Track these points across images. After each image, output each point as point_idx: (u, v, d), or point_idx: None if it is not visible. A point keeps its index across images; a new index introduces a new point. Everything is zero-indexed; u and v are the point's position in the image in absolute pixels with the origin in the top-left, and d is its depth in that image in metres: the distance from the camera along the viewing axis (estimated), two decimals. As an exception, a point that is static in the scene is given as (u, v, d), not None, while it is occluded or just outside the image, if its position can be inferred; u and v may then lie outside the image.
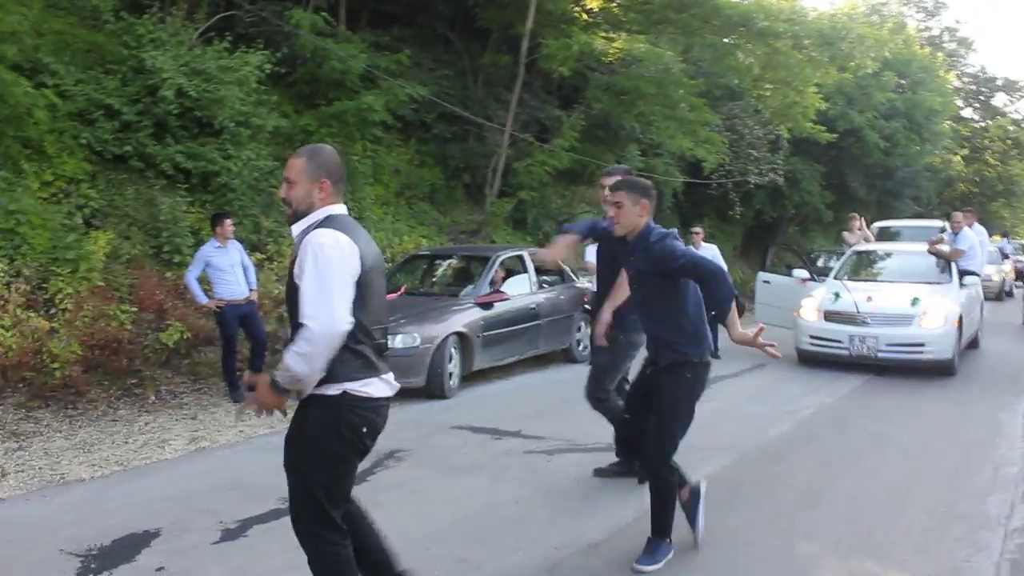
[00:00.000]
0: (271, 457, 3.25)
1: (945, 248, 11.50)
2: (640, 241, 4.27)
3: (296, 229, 3.15)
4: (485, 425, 7.43)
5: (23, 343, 7.60)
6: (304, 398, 3.09)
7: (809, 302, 10.75)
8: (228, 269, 8.24)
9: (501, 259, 10.30)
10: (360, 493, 5.50)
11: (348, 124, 12.56)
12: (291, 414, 3.21)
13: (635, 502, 5.18)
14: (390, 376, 3.22)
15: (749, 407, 8.22)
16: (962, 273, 11.13)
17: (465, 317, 9.16)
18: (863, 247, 12.70)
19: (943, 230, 12.66)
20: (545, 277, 10.94)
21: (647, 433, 4.33)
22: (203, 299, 8.28)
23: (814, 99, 18.51)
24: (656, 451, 4.31)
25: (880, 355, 9.95)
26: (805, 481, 5.90)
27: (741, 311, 4.05)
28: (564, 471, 5.65)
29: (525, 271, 10.55)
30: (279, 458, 3.27)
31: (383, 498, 5.43)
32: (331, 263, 2.95)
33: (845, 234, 14.17)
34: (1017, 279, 24.37)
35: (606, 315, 5.44)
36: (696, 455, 4.50)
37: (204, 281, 8.36)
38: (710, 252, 12.47)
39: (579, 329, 11.11)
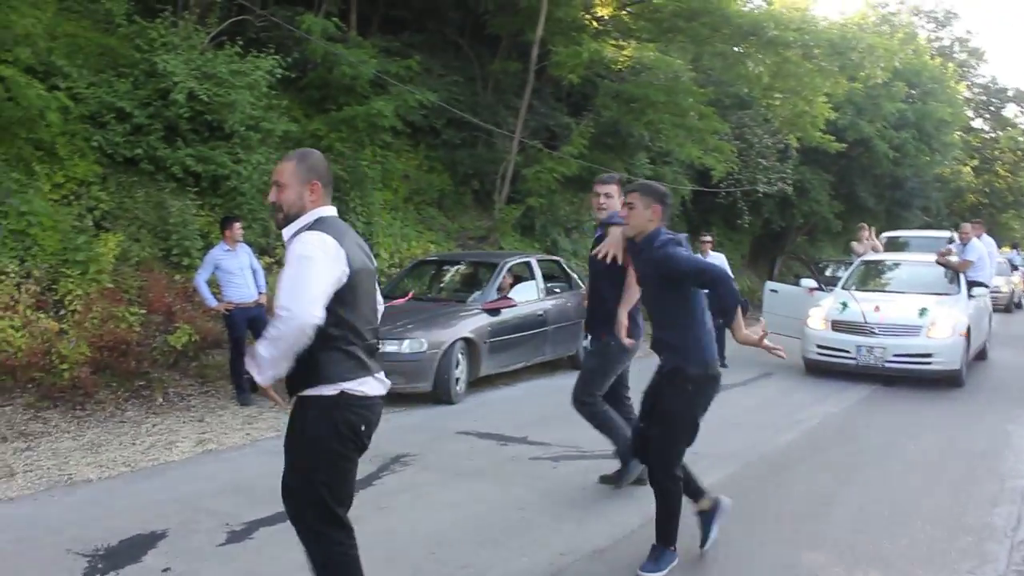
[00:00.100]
0: (278, 460, 3.26)
1: (954, 259, 11.48)
2: (646, 244, 4.30)
3: (287, 232, 3.18)
4: (491, 431, 7.44)
5: (32, 344, 7.65)
6: (301, 400, 3.13)
7: (816, 311, 10.75)
8: (237, 272, 8.28)
9: (509, 265, 10.32)
10: (366, 497, 5.56)
11: (358, 129, 12.59)
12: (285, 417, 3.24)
13: (640, 509, 5.19)
14: (382, 375, 3.27)
15: (755, 416, 8.21)
16: (971, 284, 11.11)
17: (472, 323, 9.18)
18: (871, 257, 12.68)
19: (951, 241, 12.63)
20: (552, 284, 10.95)
21: (651, 441, 4.34)
22: (212, 302, 8.33)
23: (823, 109, 18.49)
24: (656, 461, 4.33)
25: (887, 365, 9.94)
26: (811, 490, 5.89)
27: (745, 311, 4.04)
28: (569, 478, 5.65)
29: (533, 278, 10.56)
30: (285, 462, 3.28)
31: (389, 502, 5.46)
32: (313, 262, 2.98)
33: (853, 244, 14.16)
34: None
35: (623, 317, 5.41)
36: (702, 463, 4.50)
37: (213, 284, 8.40)
38: (718, 261, 12.48)
39: (586, 336, 11.10)
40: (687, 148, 17.48)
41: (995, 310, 14.06)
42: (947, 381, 9.93)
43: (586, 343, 6.22)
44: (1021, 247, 27.84)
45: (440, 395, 8.62)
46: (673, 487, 4.29)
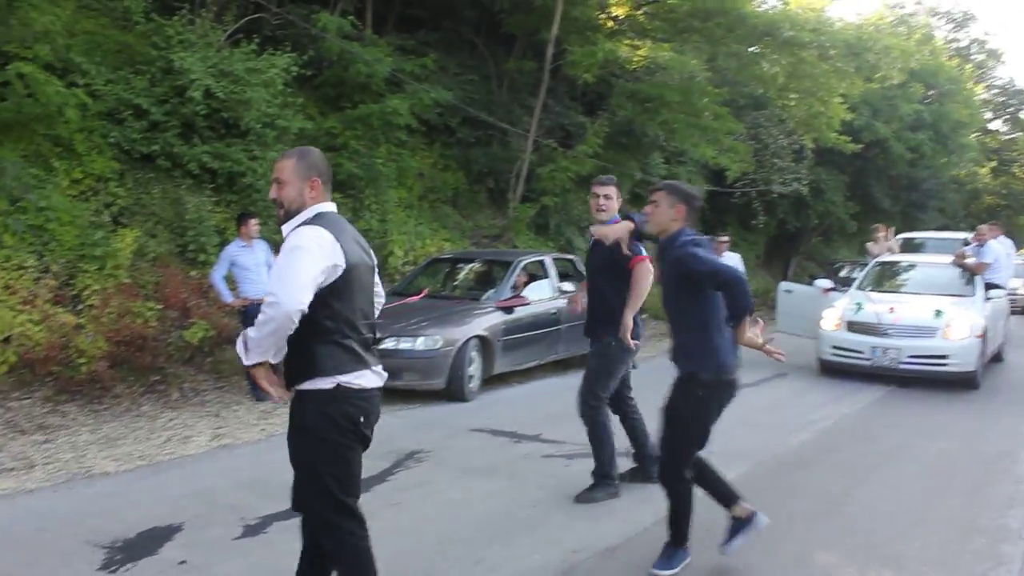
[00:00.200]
0: (292, 455, 3.30)
1: (971, 261, 11.43)
2: (668, 244, 4.25)
3: (287, 228, 3.22)
4: (504, 428, 7.46)
5: (51, 338, 7.72)
6: (299, 394, 3.17)
7: (831, 312, 10.72)
8: (253, 268, 8.33)
9: (523, 264, 10.34)
10: (380, 492, 5.59)
11: (373, 127, 12.63)
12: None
13: (652, 508, 5.19)
14: (379, 368, 3.30)
15: (769, 416, 8.20)
16: (987, 286, 11.06)
17: (486, 321, 9.20)
18: (887, 258, 12.64)
19: (967, 242, 12.56)
20: (566, 283, 10.95)
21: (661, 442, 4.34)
22: (228, 297, 8.38)
23: (839, 109, 18.43)
24: (664, 462, 4.32)
25: (902, 366, 9.91)
26: (824, 490, 5.90)
27: (750, 312, 4.00)
28: (582, 476, 5.66)
29: (547, 276, 10.57)
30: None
31: (402, 498, 5.49)
32: (304, 252, 3.03)
33: (869, 245, 14.11)
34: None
35: (628, 319, 5.40)
36: (715, 462, 4.50)
37: (229, 280, 8.46)
38: (733, 261, 12.47)
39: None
40: (702, 148, 17.48)
41: (1012, 312, 13.98)
42: (962, 383, 9.89)
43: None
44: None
45: (454, 392, 8.65)
46: (681, 488, 4.27)
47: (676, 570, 4.27)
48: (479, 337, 9.00)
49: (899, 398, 9.45)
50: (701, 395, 4.17)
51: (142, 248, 9.18)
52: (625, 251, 5.20)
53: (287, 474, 3.34)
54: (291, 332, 3.02)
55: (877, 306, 10.42)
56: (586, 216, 17.09)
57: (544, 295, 10.24)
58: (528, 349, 9.80)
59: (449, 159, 15.26)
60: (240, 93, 10.11)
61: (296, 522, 4.69)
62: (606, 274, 5.45)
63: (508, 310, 9.49)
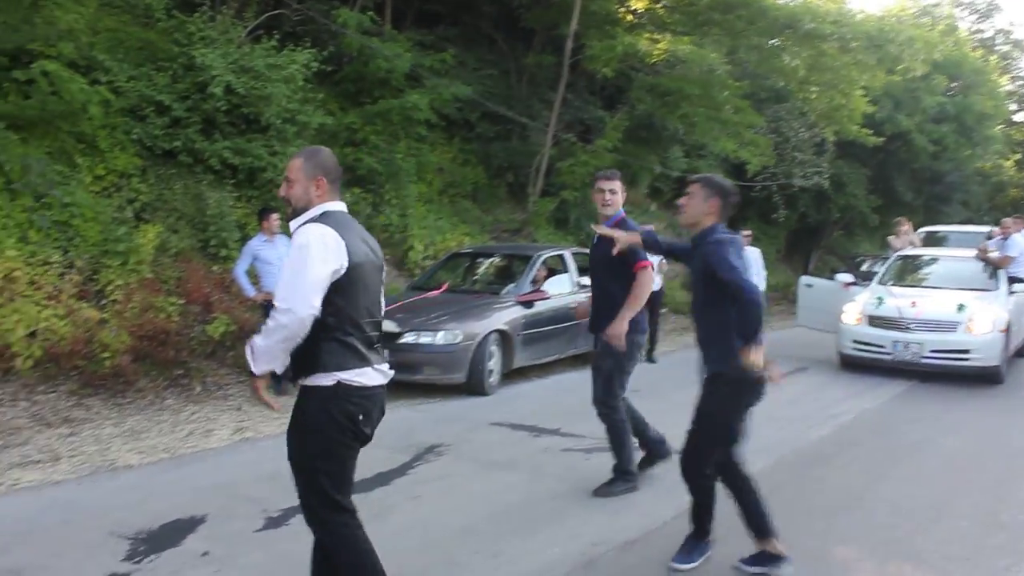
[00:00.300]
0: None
1: (994, 255, 11.33)
2: (700, 240, 4.18)
3: (294, 225, 3.27)
4: (524, 422, 7.48)
5: (75, 332, 7.81)
6: (302, 389, 3.22)
7: (852, 306, 10.67)
8: (275, 262, 8.38)
9: (543, 258, 10.34)
10: (400, 486, 5.64)
11: (392, 122, 12.67)
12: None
13: (672, 502, 5.20)
14: (384, 366, 3.33)
15: (789, 410, 8.17)
16: (1011, 280, 10.96)
17: (506, 315, 9.22)
18: (909, 252, 12.55)
19: (989, 236, 12.44)
20: (585, 278, 10.94)
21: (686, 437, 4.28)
22: (251, 292, 8.43)
23: (861, 102, 18.30)
24: (686, 457, 4.24)
25: (924, 361, 9.85)
26: (844, 485, 5.88)
27: (757, 335, 3.90)
28: (602, 469, 5.67)
29: (566, 270, 10.58)
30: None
31: (422, 491, 5.53)
32: (311, 255, 3.07)
33: (891, 239, 14.00)
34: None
35: (623, 325, 5.32)
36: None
37: (252, 275, 8.51)
38: (753, 256, 12.44)
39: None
40: (722, 142, 17.41)
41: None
42: (985, 378, 9.82)
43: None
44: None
45: (474, 386, 8.68)
46: (704, 483, 4.22)
47: (695, 563, 4.27)
48: (499, 331, 9.03)
49: (921, 393, 9.41)
50: (726, 391, 4.09)
51: (164, 243, 9.27)
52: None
53: (308, 467, 3.38)
54: (302, 339, 3.08)
55: (899, 300, 10.36)
56: (606, 210, 17.10)
57: (564, 289, 10.25)
58: (548, 343, 9.81)
59: (469, 154, 15.29)
60: (261, 89, 10.17)
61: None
62: (614, 271, 5.43)
63: (528, 304, 9.51)
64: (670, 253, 5.13)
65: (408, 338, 8.47)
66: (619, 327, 5.31)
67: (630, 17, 17.38)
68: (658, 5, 17.42)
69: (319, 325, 3.10)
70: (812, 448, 6.91)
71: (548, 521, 4.99)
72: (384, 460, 6.13)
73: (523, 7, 15.87)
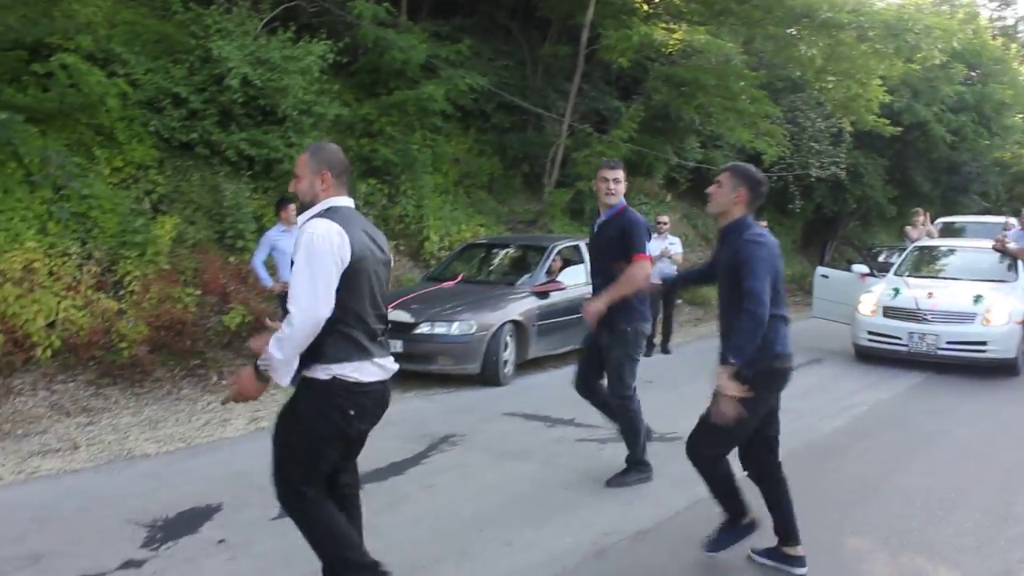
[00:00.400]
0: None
1: (1012, 246, 11.25)
2: (731, 232, 4.07)
3: (301, 220, 3.34)
4: (538, 413, 7.51)
5: (94, 323, 7.89)
6: (302, 380, 3.27)
7: (868, 297, 10.62)
8: (292, 253, 8.42)
9: (558, 249, 10.35)
10: (414, 475, 5.68)
11: (408, 113, 12.69)
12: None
13: (685, 492, 5.24)
14: (386, 360, 3.36)
15: (803, 402, 8.15)
16: (1029, 271, 10.88)
17: (521, 306, 9.24)
18: (925, 243, 12.48)
19: (1006, 228, 12.35)
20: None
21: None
22: (268, 282, 8.49)
23: (878, 92, 18.16)
24: (692, 441, 4.15)
25: (940, 353, 9.80)
26: (857, 476, 5.88)
27: (739, 359, 3.85)
28: (615, 460, 5.69)
29: (582, 261, 10.58)
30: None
31: (436, 481, 5.57)
32: (319, 253, 3.12)
33: (907, 229, 13.93)
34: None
35: (606, 299, 5.39)
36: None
37: (269, 265, 8.57)
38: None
39: (648, 322, 11.13)
40: (738, 132, 17.33)
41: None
42: (1002, 370, 9.77)
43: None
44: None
45: (488, 377, 8.71)
46: (716, 468, 4.14)
47: (724, 549, 4.24)
48: (514, 322, 9.05)
49: (936, 385, 9.37)
50: (752, 374, 3.95)
51: (181, 235, 9.34)
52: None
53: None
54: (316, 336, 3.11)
55: (915, 291, 10.31)
56: (621, 201, 17.07)
57: (579, 280, 10.21)
58: (562, 334, 9.82)
59: (484, 144, 15.29)
60: (277, 80, 10.21)
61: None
62: (615, 261, 5.46)
63: (543, 295, 9.52)
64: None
65: (423, 328, 8.51)
66: (598, 304, 5.37)
67: (646, 7, 17.28)
68: (674, -6, 17.36)
69: None
70: (826, 439, 6.91)
71: (561, 511, 5.02)
72: (398, 450, 6.19)
73: (539, -3, 15.85)
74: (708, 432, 4.09)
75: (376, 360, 3.30)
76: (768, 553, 4.23)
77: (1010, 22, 40.18)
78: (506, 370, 8.92)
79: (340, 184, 3.39)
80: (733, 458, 4.23)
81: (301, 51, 10.61)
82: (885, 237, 26.04)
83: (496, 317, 8.87)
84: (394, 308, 8.73)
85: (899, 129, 20.57)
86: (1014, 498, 5.46)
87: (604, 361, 5.61)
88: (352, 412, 3.24)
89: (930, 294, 10.17)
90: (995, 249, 11.19)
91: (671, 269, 11.18)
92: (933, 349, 9.82)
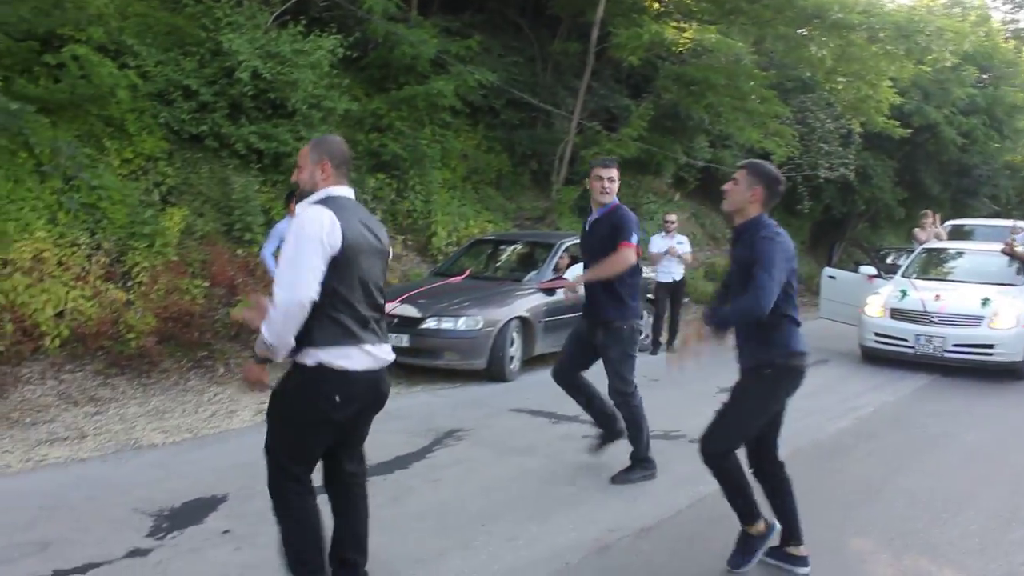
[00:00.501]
0: (333, 431, 3.40)
1: (1021, 249, 11.21)
2: (746, 231, 4.02)
3: (299, 207, 3.40)
4: (544, 409, 7.51)
5: (102, 313, 7.92)
6: (293, 364, 3.34)
7: (875, 299, 10.62)
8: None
9: (566, 246, 10.34)
10: (419, 469, 5.69)
11: (418, 109, 12.70)
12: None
13: (688, 490, 5.27)
14: (379, 348, 3.39)
15: (809, 402, 8.11)
16: (1038, 274, 10.86)
17: (528, 302, 9.25)
18: (934, 245, 12.46)
19: (1014, 231, 12.31)
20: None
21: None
22: (277, 273, 8.50)
23: (888, 93, 18.11)
24: (707, 438, 4.07)
25: (947, 355, 9.79)
26: (862, 477, 5.88)
27: (723, 326, 3.90)
28: (620, 456, 5.69)
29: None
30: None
31: (441, 475, 5.58)
32: (307, 238, 3.18)
33: (916, 231, 13.90)
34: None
35: (586, 278, 5.58)
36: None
37: (278, 257, 8.57)
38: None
39: (640, 318, 11.13)
40: (747, 132, 17.30)
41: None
42: (1008, 373, 9.76)
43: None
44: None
45: (494, 372, 8.73)
46: (726, 464, 4.04)
47: (753, 562, 4.13)
48: (520, 318, 9.06)
49: (942, 387, 9.35)
50: (765, 382, 4.01)
51: (190, 227, 9.36)
52: None
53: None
54: (304, 320, 3.17)
55: (922, 293, 10.30)
56: (630, 199, 17.07)
57: (586, 278, 10.24)
58: (569, 331, 9.78)
59: (493, 141, 15.29)
60: (287, 74, 10.23)
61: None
62: (602, 255, 5.54)
63: (550, 292, 9.52)
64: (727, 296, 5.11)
65: (430, 323, 8.52)
66: (578, 279, 5.62)
67: (657, 5, 17.28)
68: (685, -7, 17.34)
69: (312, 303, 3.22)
70: (831, 440, 6.91)
71: (565, 506, 5.03)
72: (404, 444, 6.21)
73: (550, -6, 15.84)
74: (721, 427, 4.06)
75: (366, 347, 3.32)
76: (771, 552, 4.22)
77: (1023, 25, 40.02)
78: (512, 366, 8.94)
79: (340, 174, 3.45)
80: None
81: (311, 45, 10.62)
82: (894, 239, 25.95)
83: (503, 313, 8.88)
84: (401, 303, 8.76)
85: (909, 131, 20.50)
86: (1021, 501, 5.46)
87: (602, 360, 5.66)
88: (338, 398, 3.28)
89: (937, 296, 10.15)
90: (1004, 253, 11.17)
91: (679, 268, 11.18)
92: (940, 351, 9.80)
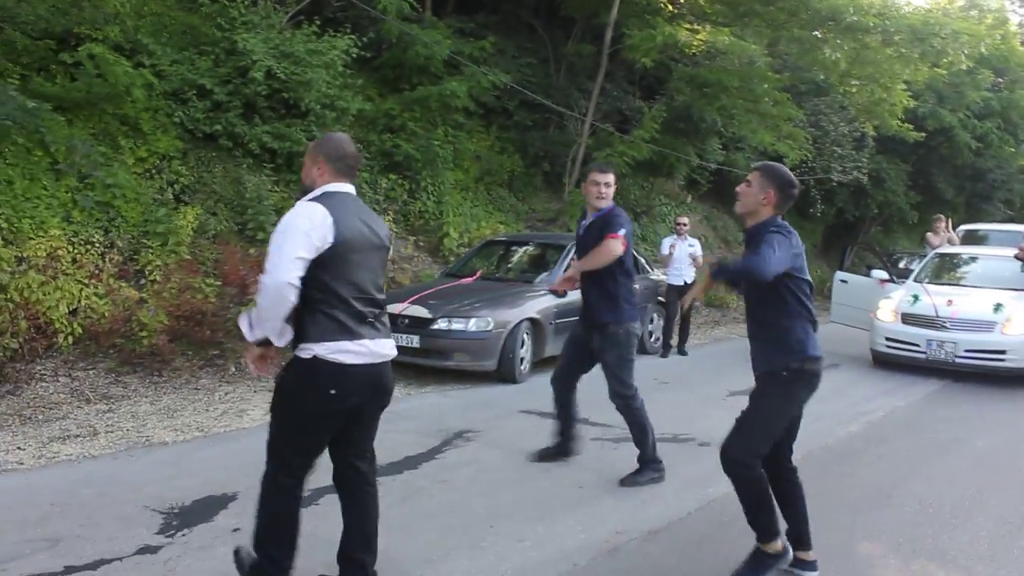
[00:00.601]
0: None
1: (1034, 255, 11.16)
2: (758, 234, 3.95)
3: (297, 204, 3.47)
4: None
5: (115, 311, 7.97)
6: (291, 358, 3.42)
7: (887, 303, 10.58)
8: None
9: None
10: (428, 470, 5.70)
11: (431, 109, 12.74)
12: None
13: (698, 493, 5.28)
14: (377, 343, 3.43)
15: (819, 406, 8.03)
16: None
17: (539, 304, 9.25)
18: (946, 250, 12.41)
19: (1024, 235, 12.26)
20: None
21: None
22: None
23: (902, 96, 18.04)
24: (727, 447, 3.98)
25: (958, 361, 9.75)
26: (871, 482, 5.86)
27: (730, 280, 3.91)
28: (629, 459, 5.70)
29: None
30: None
31: (450, 475, 5.59)
32: (295, 228, 3.26)
33: (929, 236, 13.85)
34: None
35: (574, 270, 5.69)
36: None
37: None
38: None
39: (651, 321, 11.15)
40: (760, 134, 17.28)
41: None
42: (1020, 379, 9.70)
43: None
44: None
45: (505, 374, 8.73)
46: (746, 473, 3.94)
47: None
48: (531, 320, 9.06)
49: (954, 392, 9.32)
50: (781, 387, 3.96)
51: (203, 225, 9.41)
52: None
53: (337, 448, 3.47)
54: (288, 307, 3.23)
55: (934, 298, 10.26)
56: (642, 201, 17.10)
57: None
58: (579, 333, 9.81)
59: (506, 142, 15.31)
60: (301, 74, 10.27)
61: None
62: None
63: (560, 293, 9.52)
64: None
65: (440, 324, 8.54)
66: (564, 275, 5.72)
67: (670, 7, 17.25)
68: (699, -5, 17.31)
69: (305, 299, 3.28)
70: (841, 444, 6.89)
71: (574, 508, 5.04)
72: (414, 444, 6.23)
73: (563, -5, 15.85)
74: (742, 433, 3.99)
75: (363, 342, 3.36)
76: (758, 570, 4.15)
77: (1040, 28, 39.72)
78: (522, 367, 8.94)
79: (337, 171, 3.50)
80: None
81: (325, 45, 10.67)
82: (907, 243, 25.88)
83: (513, 314, 8.89)
84: (412, 303, 8.78)
85: (923, 135, 20.44)
86: (1029, 508, 5.43)
87: (600, 364, 5.69)
88: (333, 391, 3.33)
89: (949, 301, 10.12)
90: (1017, 258, 11.11)
91: (691, 271, 11.17)
92: (951, 357, 9.77)
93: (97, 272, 8.14)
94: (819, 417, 7.61)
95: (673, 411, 7.44)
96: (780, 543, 4.05)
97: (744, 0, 16.01)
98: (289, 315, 3.27)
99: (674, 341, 11.36)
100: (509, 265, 11.03)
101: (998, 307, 9.85)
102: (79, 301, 7.80)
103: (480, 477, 5.63)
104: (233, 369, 8.41)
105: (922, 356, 9.96)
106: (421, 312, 8.65)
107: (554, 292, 9.41)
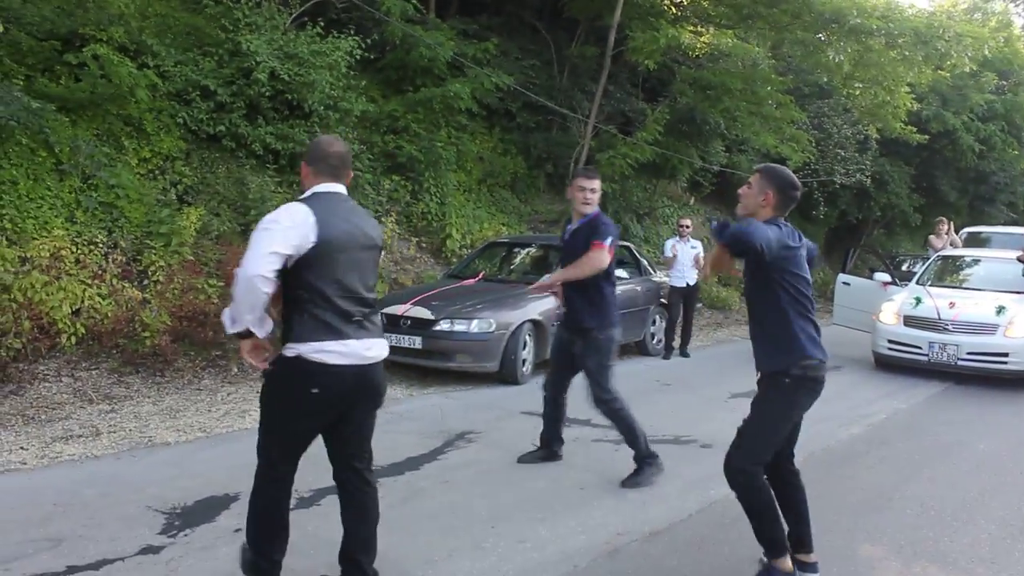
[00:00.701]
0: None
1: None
2: None
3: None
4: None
5: (118, 312, 7.99)
6: (277, 357, 3.46)
7: (889, 306, 10.58)
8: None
9: (579, 249, 10.34)
10: (430, 471, 5.71)
11: (434, 111, 12.76)
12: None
13: (699, 494, 5.28)
14: (365, 343, 3.44)
15: (821, 408, 7.98)
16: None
17: (541, 305, 9.24)
18: (949, 252, 12.40)
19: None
20: (621, 270, 10.95)
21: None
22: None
23: (906, 99, 18.03)
24: (730, 455, 3.97)
25: (960, 363, 9.75)
26: (872, 484, 5.86)
27: (728, 243, 3.84)
28: (629, 461, 5.70)
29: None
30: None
31: (452, 476, 5.60)
32: (276, 225, 3.28)
33: (931, 238, 13.85)
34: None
35: (559, 276, 5.70)
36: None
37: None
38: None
39: (654, 323, 11.15)
40: (763, 136, 17.28)
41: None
42: (1023, 382, 9.69)
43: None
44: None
45: (506, 375, 8.74)
46: (753, 483, 3.90)
47: None
48: (533, 321, 9.07)
49: (956, 395, 9.31)
50: (783, 391, 3.94)
51: (206, 226, 9.43)
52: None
53: (339, 449, 3.48)
54: (262, 300, 3.26)
55: (937, 301, 10.25)
56: (645, 203, 17.10)
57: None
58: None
59: (509, 144, 15.33)
60: (304, 75, 10.29)
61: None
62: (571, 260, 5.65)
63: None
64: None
65: (442, 325, 8.55)
66: (548, 279, 5.75)
67: (674, 9, 17.27)
68: (702, -3, 17.33)
69: (289, 298, 3.36)
70: (842, 446, 6.89)
71: (575, 510, 5.04)
72: (415, 445, 6.24)
73: (567, -3, 15.87)
74: (745, 440, 3.97)
75: (348, 342, 3.38)
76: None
77: (1044, 31, 39.65)
78: (524, 369, 8.95)
79: (320, 172, 3.53)
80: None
81: (329, 46, 10.69)
82: (909, 246, 25.86)
83: (515, 316, 8.89)
84: (414, 305, 8.79)
85: (926, 137, 20.42)
86: (1031, 511, 5.43)
87: (583, 370, 5.72)
88: (315, 391, 3.35)
89: (952, 304, 10.11)
90: (1020, 260, 11.09)
91: (693, 273, 11.17)
92: (953, 359, 9.76)
93: (100, 272, 8.15)
94: (821, 419, 7.60)
95: (675, 413, 7.45)
96: (790, 561, 4.00)
97: (748, 2, 16.03)
98: (266, 306, 3.30)
99: (676, 343, 11.36)
100: (511, 267, 11.03)
101: (1001, 310, 9.85)
102: (82, 301, 7.81)
103: (481, 478, 5.63)
104: (235, 370, 8.42)
105: (924, 359, 9.95)
106: (423, 313, 8.66)
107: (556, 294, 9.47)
